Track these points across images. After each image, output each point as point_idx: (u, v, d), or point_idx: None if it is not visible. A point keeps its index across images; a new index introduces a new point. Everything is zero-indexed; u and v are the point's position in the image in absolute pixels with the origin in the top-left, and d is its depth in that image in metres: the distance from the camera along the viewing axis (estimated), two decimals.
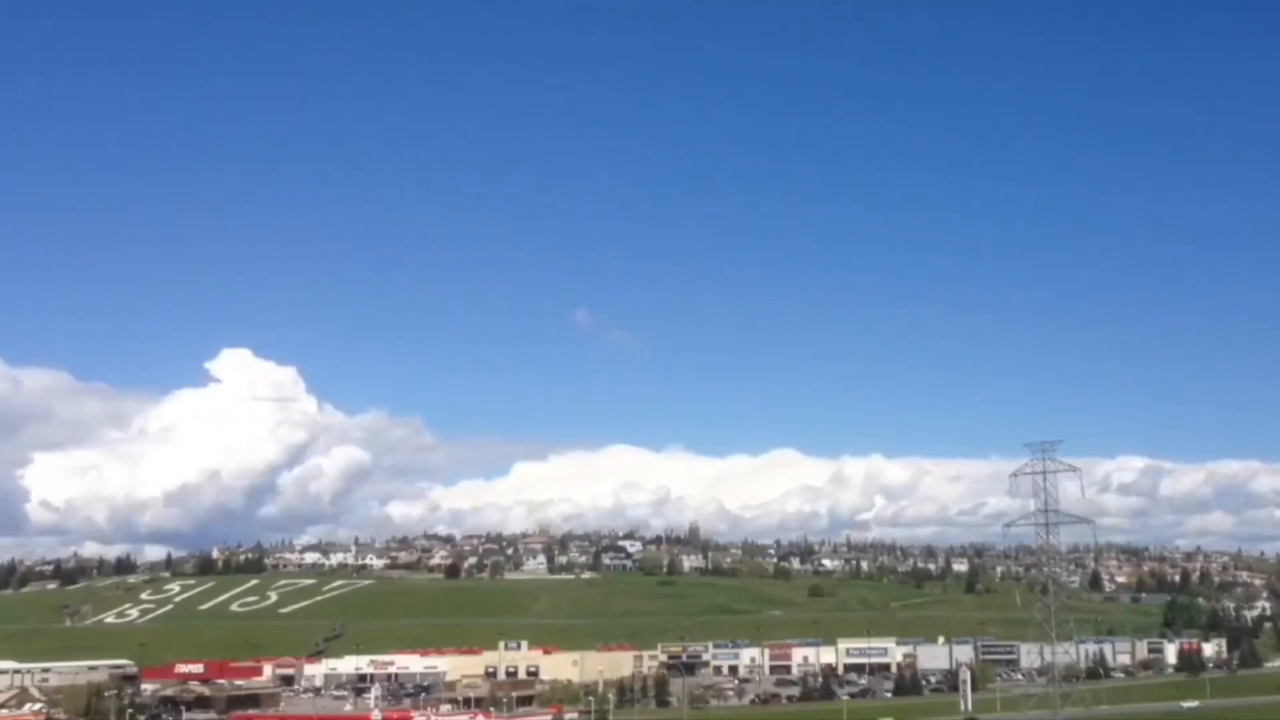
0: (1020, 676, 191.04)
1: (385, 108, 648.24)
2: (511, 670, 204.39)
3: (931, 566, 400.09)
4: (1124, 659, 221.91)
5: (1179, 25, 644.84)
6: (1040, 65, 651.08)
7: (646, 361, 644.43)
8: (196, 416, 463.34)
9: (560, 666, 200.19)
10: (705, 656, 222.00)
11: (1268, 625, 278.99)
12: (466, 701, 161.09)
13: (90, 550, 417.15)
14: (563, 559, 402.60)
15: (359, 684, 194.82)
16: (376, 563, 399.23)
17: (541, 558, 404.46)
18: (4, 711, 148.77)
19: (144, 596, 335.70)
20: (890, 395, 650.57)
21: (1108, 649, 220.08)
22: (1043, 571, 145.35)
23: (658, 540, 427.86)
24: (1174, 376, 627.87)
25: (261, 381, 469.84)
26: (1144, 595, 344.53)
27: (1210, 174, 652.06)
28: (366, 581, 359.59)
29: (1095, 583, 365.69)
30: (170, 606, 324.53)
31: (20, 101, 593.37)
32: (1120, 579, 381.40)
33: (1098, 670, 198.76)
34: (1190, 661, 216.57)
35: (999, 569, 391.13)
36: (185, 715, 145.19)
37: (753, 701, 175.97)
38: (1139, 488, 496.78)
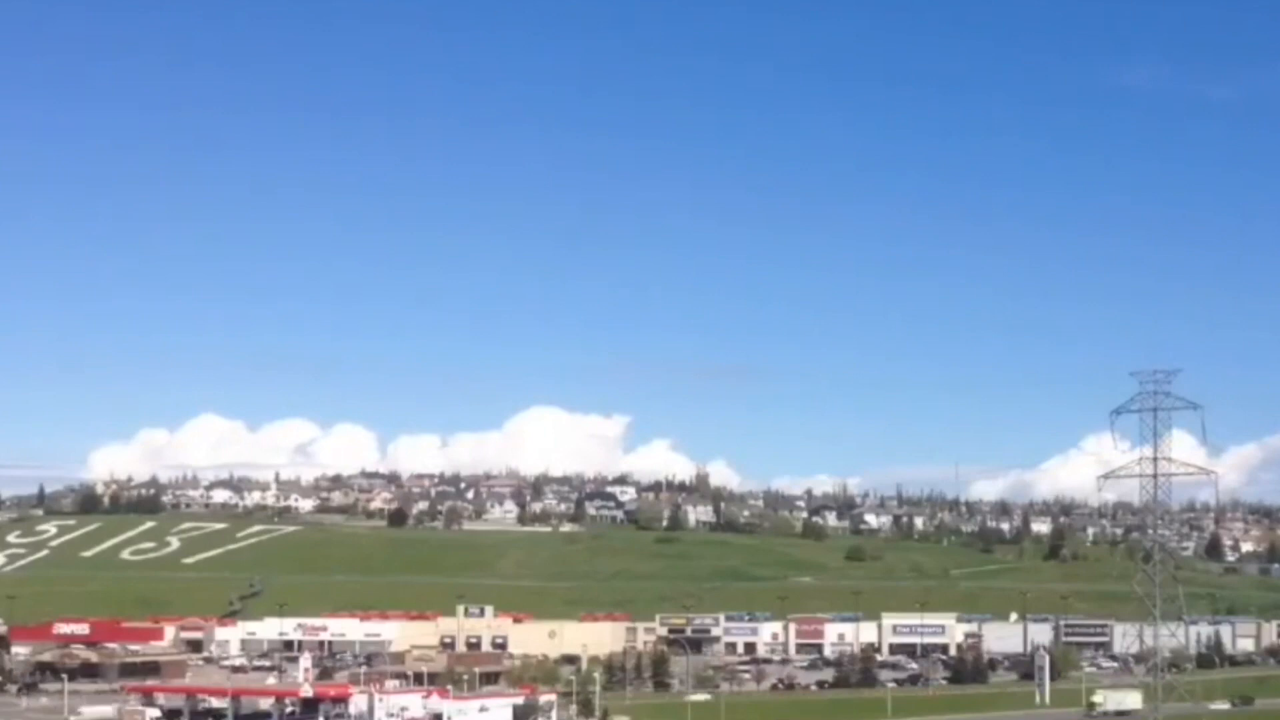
0: (1113, 663, 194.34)
1: None
2: (473, 641, 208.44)
3: (1005, 526, 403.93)
4: (1246, 643, 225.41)
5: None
6: None
7: None
8: None
9: (533, 638, 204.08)
10: (715, 631, 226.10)
11: None
12: (418, 677, 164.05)
13: None
14: (537, 506, 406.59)
15: (284, 652, 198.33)
16: (303, 504, 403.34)
17: (510, 504, 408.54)
18: None
19: (11, 539, 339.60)
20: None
21: (1226, 631, 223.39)
22: (1147, 535, 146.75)
23: (656, 487, 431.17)
24: None
25: None
26: (1276, 566, 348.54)
27: None
28: (291, 528, 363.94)
29: (1214, 549, 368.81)
30: (45, 552, 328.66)
31: None
32: (1246, 545, 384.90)
33: (1212, 657, 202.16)
34: None
35: (1090, 530, 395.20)
36: (68, 685, 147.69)
37: (774, 686, 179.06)
38: None
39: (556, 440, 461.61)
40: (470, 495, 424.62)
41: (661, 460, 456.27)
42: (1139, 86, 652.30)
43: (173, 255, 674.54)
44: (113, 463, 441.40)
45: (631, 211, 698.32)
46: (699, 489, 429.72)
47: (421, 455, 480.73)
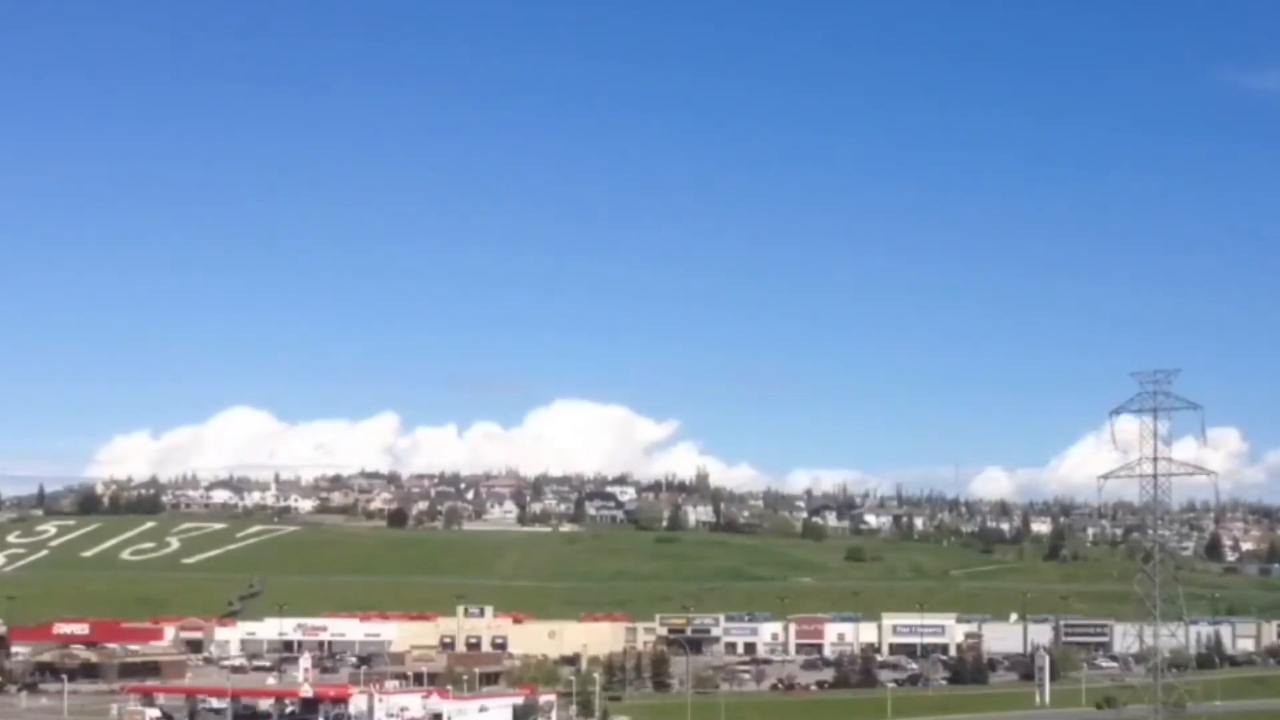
0: (1114, 663, 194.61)
1: None
2: (473, 641, 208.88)
3: (1005, 526, 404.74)
4: (1246, 644, 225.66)
5: None
6: None
7: None
8: None
9: (533, 638, 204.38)
10: (715, 631, 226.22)
11: None
12: (418, 677, 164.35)
13: None
14: (536, 507, 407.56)
15: (283, 652, 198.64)
16: (303, 505, 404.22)
17: (510, 504, 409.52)
18: None
19: (12, 539, 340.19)
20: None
21: (1226, 631, 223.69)
22: (1147, 535, 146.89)
23: (656, 487, 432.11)
24: None
25: None
26: (1276, 566, 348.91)
27: None
28: (291, 528, 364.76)
29: (1214, 549, 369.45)
30: (45, 552, 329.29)
31: None
32: (1247, 545, 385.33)
33: (1212, 658, 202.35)
34: None
35: (1090, 531, 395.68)
36: (68, 685, 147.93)
37: (774, 686, 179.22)
38: None
39: (584, 439, 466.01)
40: (470, 495, 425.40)
41: (694, 463, 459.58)
42: (1134, 89, 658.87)
43: (179, 256, 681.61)
44: (128, 456, 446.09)
45: (636, 220, 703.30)
46: (699, 489, 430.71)
47: (443, 448, 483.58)
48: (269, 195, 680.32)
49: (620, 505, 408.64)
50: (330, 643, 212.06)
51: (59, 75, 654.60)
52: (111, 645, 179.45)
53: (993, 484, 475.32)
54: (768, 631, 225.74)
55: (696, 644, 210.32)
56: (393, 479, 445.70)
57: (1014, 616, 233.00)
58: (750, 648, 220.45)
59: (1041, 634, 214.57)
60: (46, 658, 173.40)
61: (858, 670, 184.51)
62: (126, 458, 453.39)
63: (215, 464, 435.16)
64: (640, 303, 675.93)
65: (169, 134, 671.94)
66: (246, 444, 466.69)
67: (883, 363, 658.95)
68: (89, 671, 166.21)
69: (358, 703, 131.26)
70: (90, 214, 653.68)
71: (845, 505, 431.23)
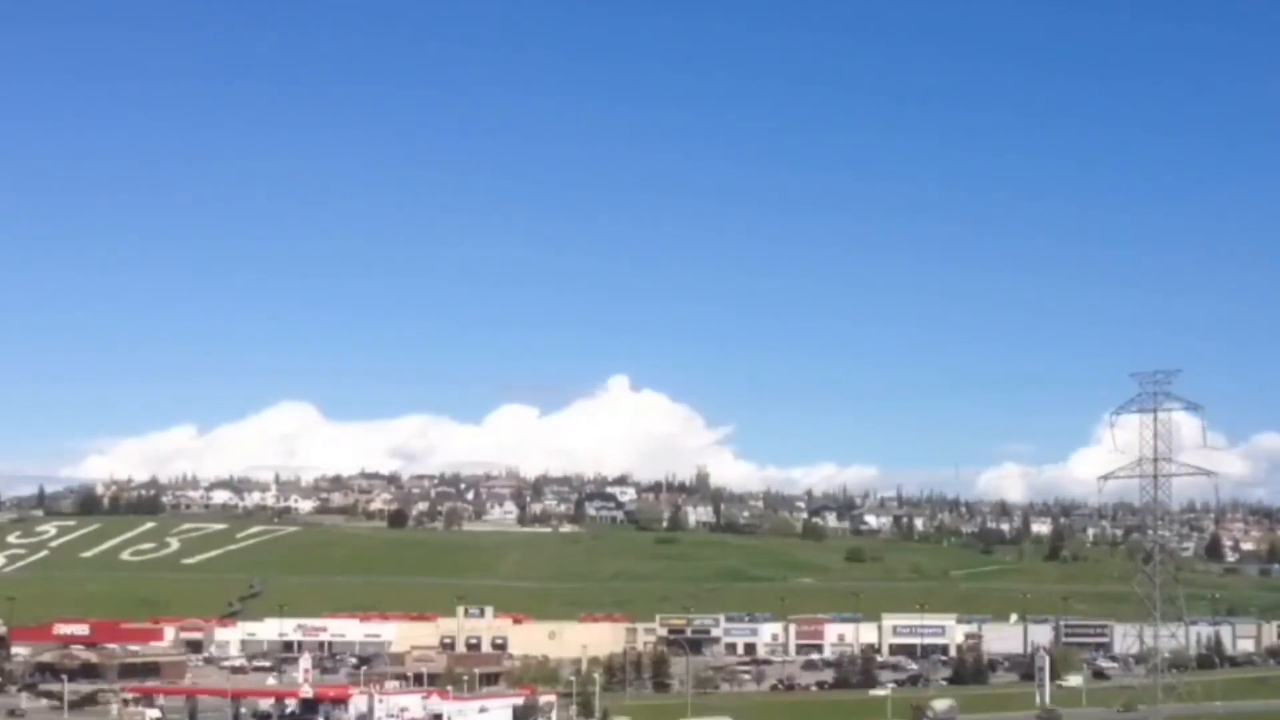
0: (1114, 663, 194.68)
1: None
2: (473, 642, 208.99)
3: (1005, 527, 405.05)
4: (1247, 644, 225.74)
5: None
6: None
7: None
8: None
9: (533, 639, 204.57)
10: (715, 632, 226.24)
11: None
12: (418, 678, 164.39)
13: None
14: (536, 507, 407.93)
15: (283, 653, 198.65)
16: (303, 505, 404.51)
17: (510, 505, 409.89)
18: None
19: (11, 540, 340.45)
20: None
21: (1226, 632, 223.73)
22: (1147, 535, 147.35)
23: (656, 488, 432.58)
24: None
25: None
26: (1277, 566, 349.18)
27: None
28: (291, 528, 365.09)
29: (1214, 550, 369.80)
30: (45, 553, 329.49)
31: None
32: (1247, 546, 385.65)
33: (1212, 658, 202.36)
34: None
35: (1090, 531, 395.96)
36: (68, 686, 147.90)
37: (774, 687, 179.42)
38: None
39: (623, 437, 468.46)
40: (470, 496, 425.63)
41: (728, 467, 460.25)
42: (1135, 89, 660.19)
43: (222, 258, 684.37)
44: (164, 452, 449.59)
45: (635, 220, 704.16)
46: (699, 489, 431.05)
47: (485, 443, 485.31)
48: (301, 196, 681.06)
49: (620, 506, 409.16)
50: (330, 643, 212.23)
51: (89, 76, 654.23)
52: (111, 646, 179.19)
53: (1003, 481, 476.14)
54: (768, 632, 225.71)
55: (696, 644, 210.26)
56: (393, 479, 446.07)
57: (1014, 617, 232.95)
58: (750, 648, 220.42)
59: (1041, 634, 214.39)
60: (46, 658, 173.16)
61: (858, 671, 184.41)
62: (163, 454, 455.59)
63: (261, 462, 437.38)
64: (658, 303, 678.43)
65: (197, 134, 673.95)
66: (289, 440, 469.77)
67: (883, 363, 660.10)
68: (89, 672, 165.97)
69: (358, 703, 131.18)
70: (106, 217, 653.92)
71: (845, 506, 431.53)
